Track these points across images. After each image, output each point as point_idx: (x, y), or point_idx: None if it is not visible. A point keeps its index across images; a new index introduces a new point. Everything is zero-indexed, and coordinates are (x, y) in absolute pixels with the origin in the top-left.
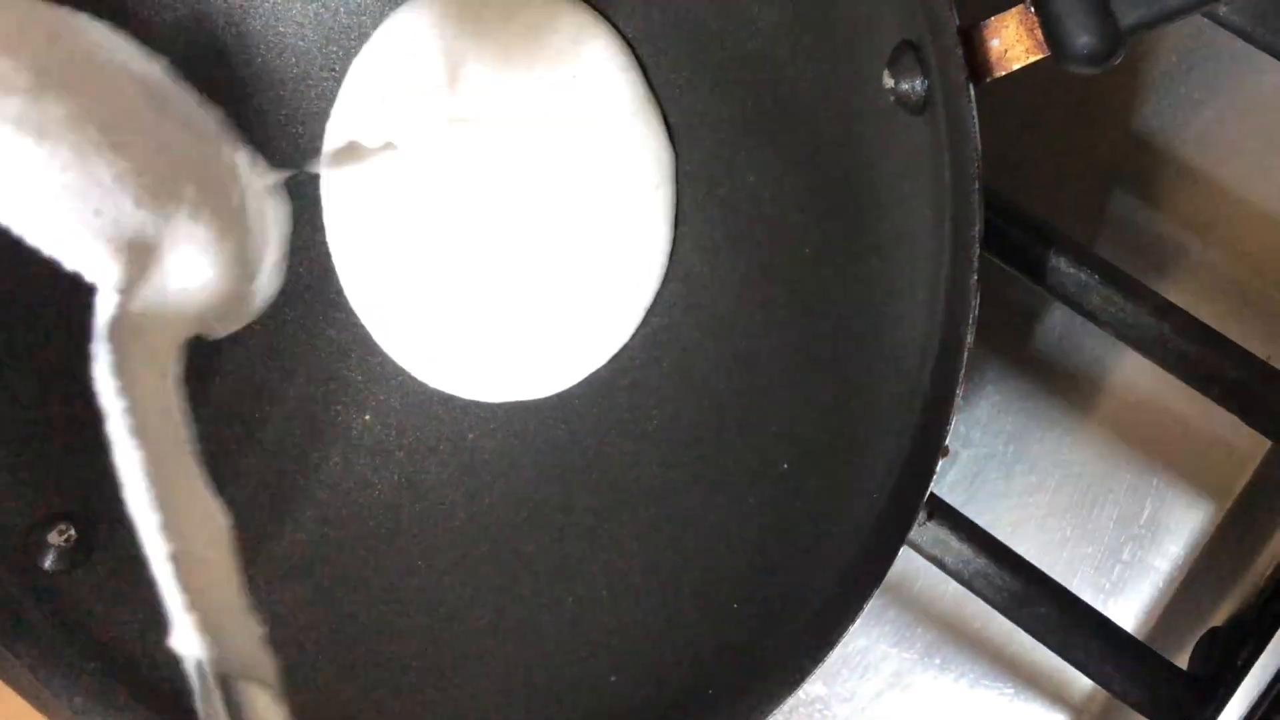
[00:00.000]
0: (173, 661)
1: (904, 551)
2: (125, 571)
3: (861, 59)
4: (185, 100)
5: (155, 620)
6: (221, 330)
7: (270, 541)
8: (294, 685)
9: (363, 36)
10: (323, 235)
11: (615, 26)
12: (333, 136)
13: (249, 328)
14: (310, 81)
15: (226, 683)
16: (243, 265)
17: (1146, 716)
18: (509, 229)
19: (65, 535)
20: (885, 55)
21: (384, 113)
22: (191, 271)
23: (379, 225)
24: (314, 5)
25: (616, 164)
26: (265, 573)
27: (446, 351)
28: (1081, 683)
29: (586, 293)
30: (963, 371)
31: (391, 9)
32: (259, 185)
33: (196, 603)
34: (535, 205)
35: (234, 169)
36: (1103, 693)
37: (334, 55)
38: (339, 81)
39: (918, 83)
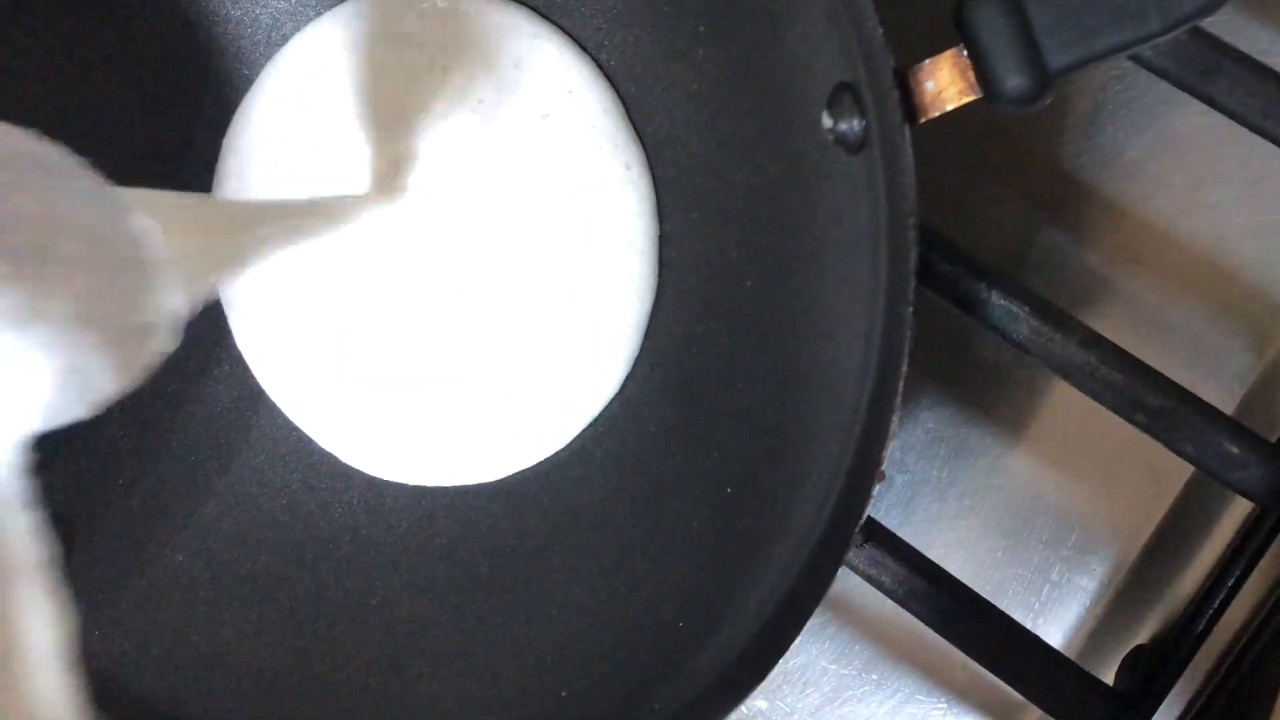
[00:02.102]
0: (140, 674)
1: (842, 572)
2: (97, 591)
3: (801, 100)
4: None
5: (123, 636)
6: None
7: (234, 561)
8: (258, 701)
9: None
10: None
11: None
12: (225, 182)
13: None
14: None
15: None
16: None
17: None
18: (460, 298)
19: None
20: (824, 96)
21: (293, 156)
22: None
23: (288, 291)
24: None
25: (598, 217)
26: (230, 591)
27: (373, 437)
28: (1012, 698)
29: (547, 375)
30: (899, 400)
31: (303, 23)
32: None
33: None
34: (494, 272)
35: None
36: (1032, 708)
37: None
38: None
39: (855, 123)
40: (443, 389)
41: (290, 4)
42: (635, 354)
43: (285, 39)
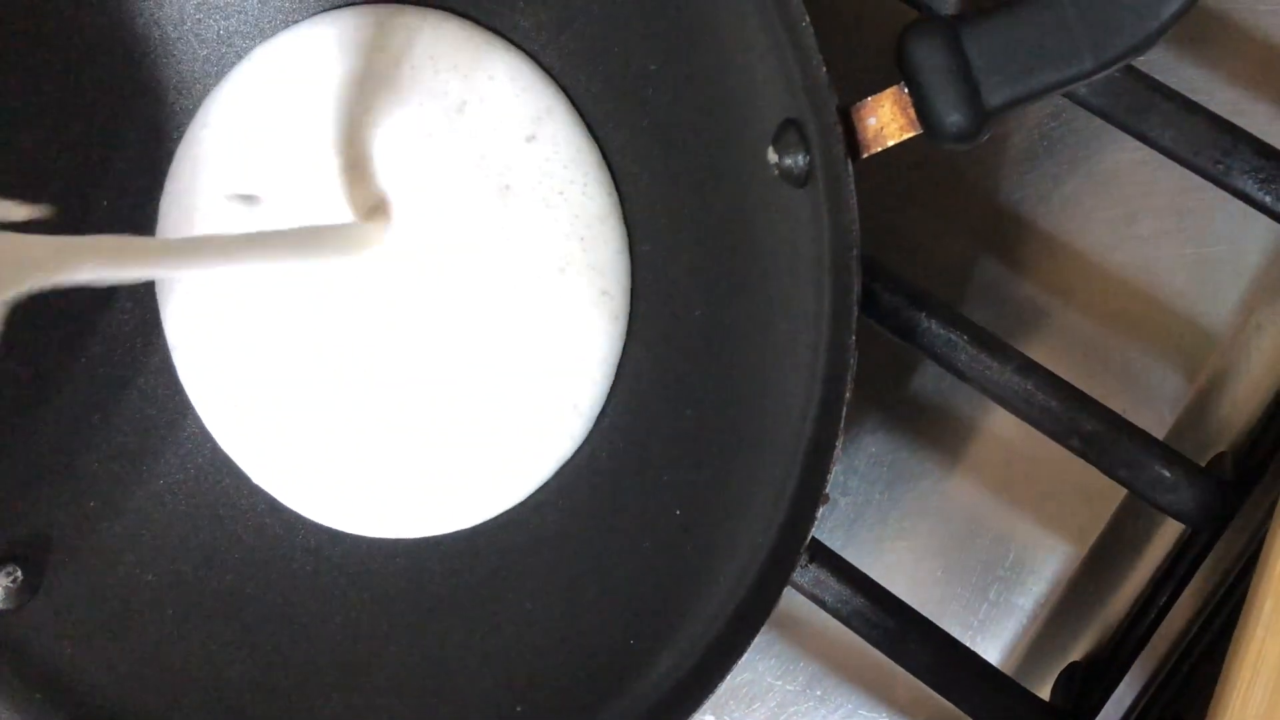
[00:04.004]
0: (111, 689)
1: (787, 591)
2: (70, 609)
3: (747, 136)
4: None
5: (95, 652)
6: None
7: (202, 580)
8: (224, 715)
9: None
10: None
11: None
12: (169, 213)
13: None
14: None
15: None
16: None
17: None
18: (427, 345)
19: (12, 577)
20: (770, 133)
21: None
22: None
23: (236, 327)
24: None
25: (581, 256)
26: (198, 609)
27: (336, 492)
28: (952, 713)
29: (516, 425)
30: (842, 425)
31: (260, 39)
32: None
33: None
34: (466, 313)
35: None
36: None
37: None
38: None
39: (800, 158)
40: (410, 441)
41: (239, 22)
42: (604, 400)
43: (237, 59)
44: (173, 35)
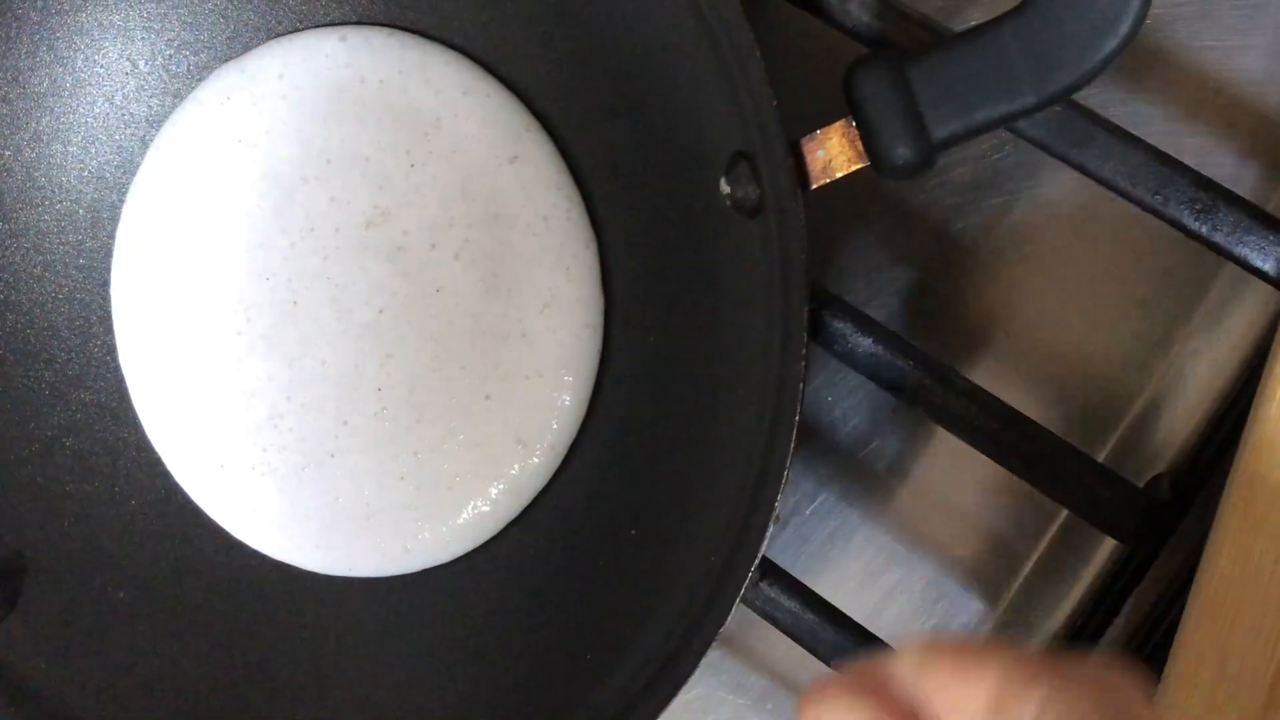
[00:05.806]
0: (83, 704)
1: (739, 608)
2: (44, 626)
3: (700, 167)
4: None
5: (68, 667)
6: None
7: (173, 596)
8: None
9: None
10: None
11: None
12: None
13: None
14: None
15: None
16: None
17: None
18: (390, 376)
19: None
20: (722, 165)
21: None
22: None
23: (195, 366)
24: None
25: (562, 289)
26: (168, 624)
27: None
28: None
29: (495, 463)
30: (792, 447)
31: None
32: None
33: None
34: (431, 351)
35: None
36: None
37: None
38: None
39: (751, 189)
40: (381, 481)
41: (209, 57)
42: (576, 436)
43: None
44: (144, 70)
